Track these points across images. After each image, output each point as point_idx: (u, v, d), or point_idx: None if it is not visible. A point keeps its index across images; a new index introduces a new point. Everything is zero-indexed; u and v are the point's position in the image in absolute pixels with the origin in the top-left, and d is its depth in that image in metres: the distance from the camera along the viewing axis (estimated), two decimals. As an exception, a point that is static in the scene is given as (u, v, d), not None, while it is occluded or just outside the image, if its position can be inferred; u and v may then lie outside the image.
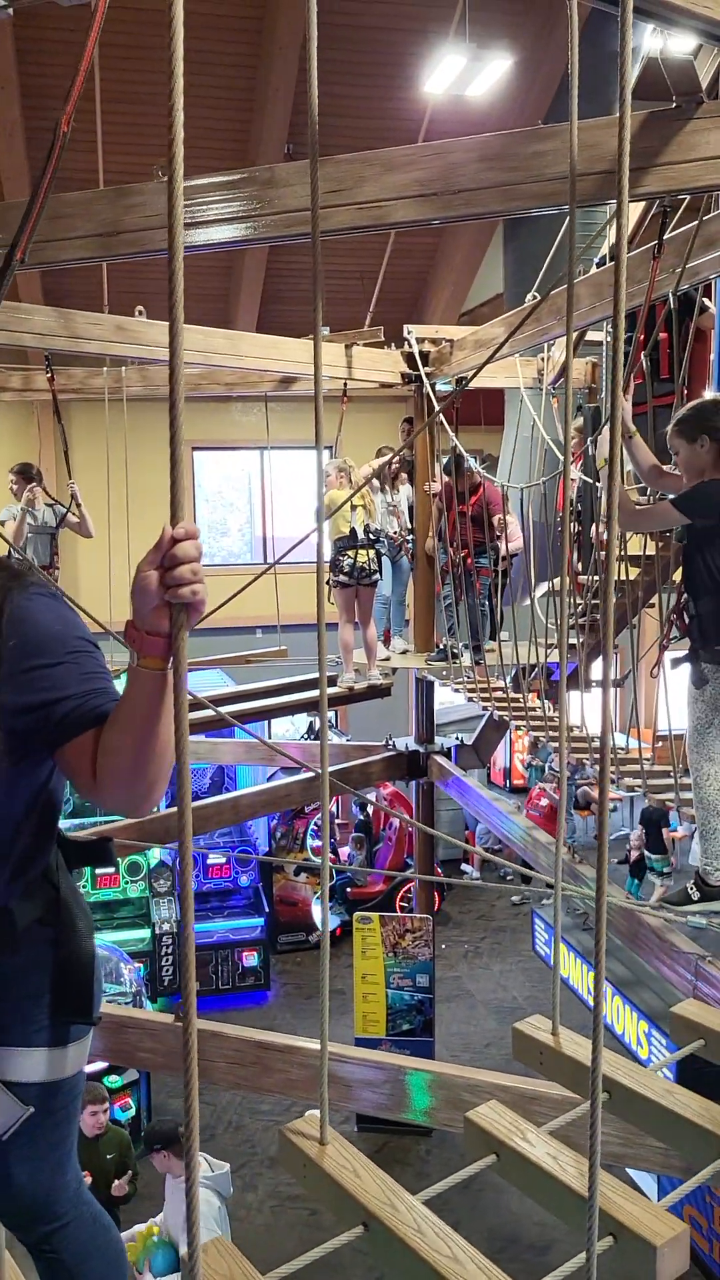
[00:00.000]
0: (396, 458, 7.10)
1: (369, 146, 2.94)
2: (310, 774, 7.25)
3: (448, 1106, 3.21)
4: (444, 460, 6.59)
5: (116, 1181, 5.44)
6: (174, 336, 0.98)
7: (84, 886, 8.40)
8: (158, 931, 8.89)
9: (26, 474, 6.46)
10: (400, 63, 8.08)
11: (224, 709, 5.49)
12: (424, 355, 6.39)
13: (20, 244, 1.92)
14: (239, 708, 7.01)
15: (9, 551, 5.94)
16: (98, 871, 8.93)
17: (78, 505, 6.47)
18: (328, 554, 7.23)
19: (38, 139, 8.51)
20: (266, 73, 8.04)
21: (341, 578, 6.84)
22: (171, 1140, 4.81)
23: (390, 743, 7.87)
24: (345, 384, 6.60)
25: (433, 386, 6.48)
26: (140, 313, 5.38)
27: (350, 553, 6.76)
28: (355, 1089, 3.40)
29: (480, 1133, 1.83)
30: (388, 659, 7.25)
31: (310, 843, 10.44)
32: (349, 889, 10.37)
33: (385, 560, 7.32)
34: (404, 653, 7.42)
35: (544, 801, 10.48)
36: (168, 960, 8.90)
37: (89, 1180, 5.21)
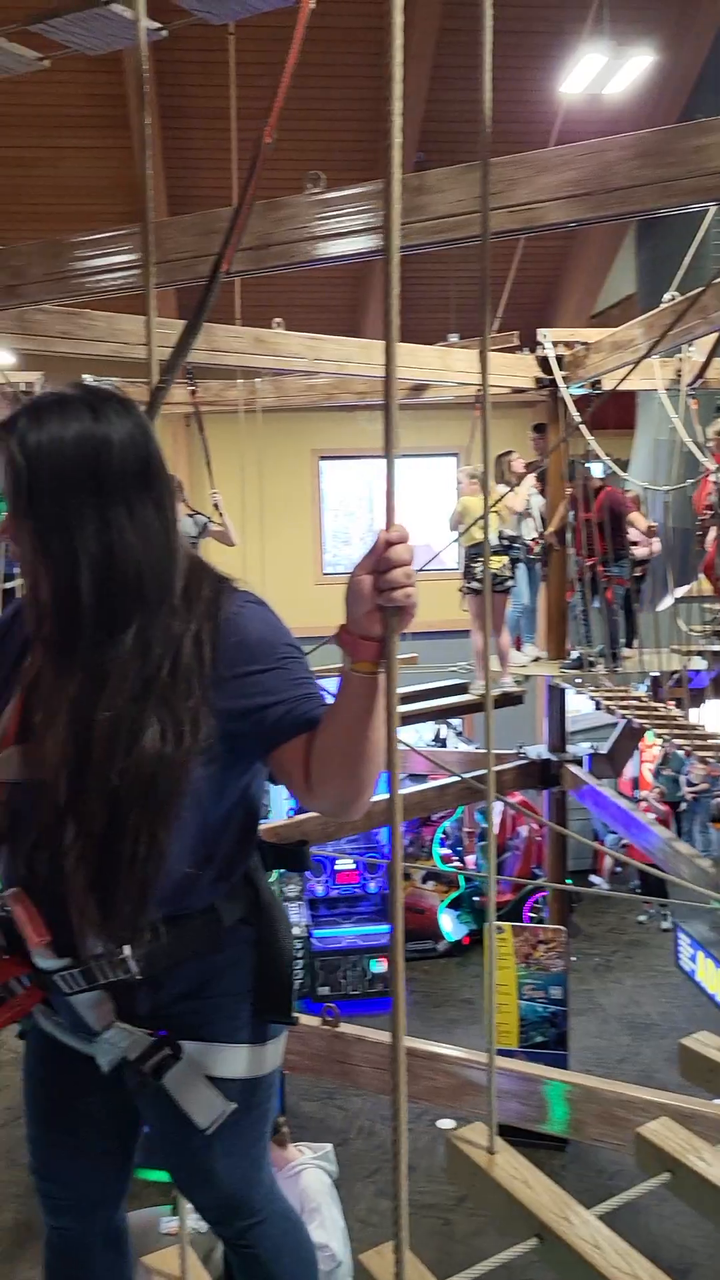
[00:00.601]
0: (524, 464, 7.05)
1: (503, 150, 2.92)
2: (440, 780, 7.23)
3: (598, 1121, 3.15)
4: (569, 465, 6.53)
5: None
6: (390, 348, 0.98)
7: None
8: (288, 935, 8.97)
9: None
10: (533, 65, 8.03)
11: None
12: (559, 359, 6.33)
13: (225, 256, 1.97)
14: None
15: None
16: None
17: (220, 514, 6.60)
18: (461, 561, 7.23)
19: (175, 159, 8.74)
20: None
21: (474, 584, 6.84)
22: (272, 1132, 4.86)
23: (521, 751, 7.79)
24: (478, 390, 6.58)
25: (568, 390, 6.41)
26: (278, 325, 5.46)
27: (482, 559, 6.74)
28: (500, 1099, 3.37)
29: (653, 1149, 1.79)
30: (523, 666, 7.19)
31: (438, 850, 10.41)
32: (476, 897, 10.29)
33: (521, 566, 7.27)
34: (536, 660, 7.34)
35: (651, 816, 10.24)
36: (298, 963, 8.99)
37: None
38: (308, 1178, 4.76)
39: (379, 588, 1.18)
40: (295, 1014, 1.62)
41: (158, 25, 3.41)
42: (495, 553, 6.72)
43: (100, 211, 8.94)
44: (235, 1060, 1.56)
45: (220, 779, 1.42)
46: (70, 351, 4.85)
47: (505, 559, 6.79)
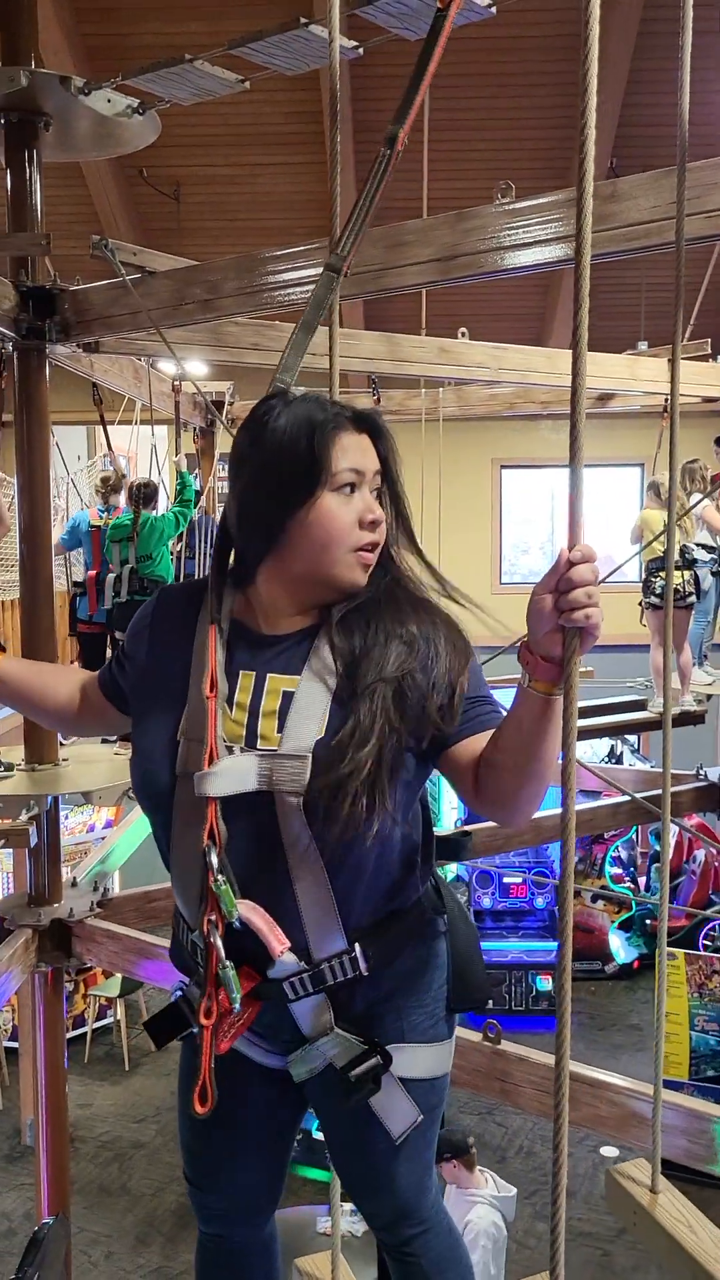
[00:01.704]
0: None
1: (699, 155, 2.82)
2: (613, 799, 7.05)
3: (773, 1166, 2.99)
4: None
5: None
6: (578, 358, 0.96)
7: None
8: (453, 946, 8.93)
9: None
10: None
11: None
12: (754, 368, 6.09)
13: (346, 258, 1.98)
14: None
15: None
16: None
17: None
18: (641, 574, 7.05)
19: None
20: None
21: (653, 599, 6.67)
22: (461, 1151, 4.83)
23: (701, 772, 7.51)
24: (666, 400, 6.40)
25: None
26: (463, 334, 5.45)
27: (662, 574, 6.57)
28: (665, 1134, 3.25)
29: None
30: (708, 684, 6.95)
31: (609, 870, 10.16)
32: (649, 920, 10.00)
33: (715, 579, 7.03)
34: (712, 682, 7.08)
35: None
36: (462, 975, 8.94)
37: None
38: (479, 1213, 4.72)
39: (560, 608, 1.17)
40: (487, 999, 1.63)
41: (354, 44, 3.49)
42: (677, 567, 6.52)
43: (293, 225, 9.16)
44: (428, 1059, 1.56)
45: (420, 774, 1.45)
46: (259, 362, 4.97)
47: (688, 573, 6.58)
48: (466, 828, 5.82)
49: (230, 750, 1.42)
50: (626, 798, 6.01)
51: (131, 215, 9.40)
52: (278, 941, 1.39)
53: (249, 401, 7.47)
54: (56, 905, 4.22)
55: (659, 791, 7.39)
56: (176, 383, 6.14)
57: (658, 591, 6.58)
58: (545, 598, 1.18)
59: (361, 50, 3.42)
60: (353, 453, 1.43)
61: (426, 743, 1.41)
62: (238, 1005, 1.40)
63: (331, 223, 1.99)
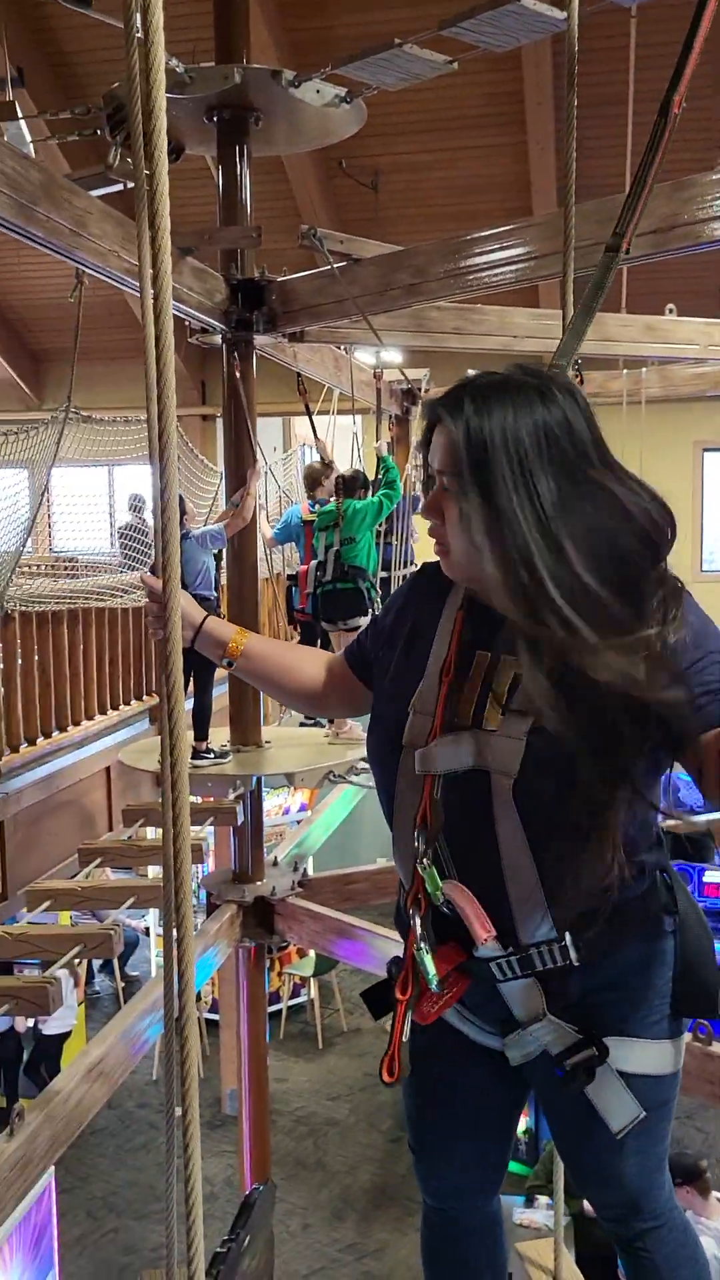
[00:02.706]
0: None
1: None
2: None
3: None
4: None
5: None
6: None
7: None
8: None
9: None
10: None
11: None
12: None
13: (627, 235, 1.92)
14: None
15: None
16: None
17: None
18: None
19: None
20: None
21: None
22: (693, 1175, 4.61)
23: None
24: None
25: None
26: (670, 311, 5.26)
27: None
28: None
29: None
30: None
31: None
32: None
33: None
34: None
35: None
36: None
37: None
38: (706, 1245, 4.51)
39: None
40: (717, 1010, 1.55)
41: (562, 15, 3.40)
42: None
43: (493, 209, 9.06)
44: (652, 1056, 1.52)
45: (648, 765, 1.39)
46: (459, 347, 4.94)
47: None
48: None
49: (455, 729, 1.41)
50: None
51: (331, 206, 9.53)
52: (482, 928, 1.39)
53: (445, 388, 7.45)
54: (260, 883, 4.34)
55: None
56: (379, 370, 6.17)
57: None
58: None
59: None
60: (431, 448, 1.41)
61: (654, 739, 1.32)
62: (435, 985, 1.42)
63: (564, 199, 1.93)
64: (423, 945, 1.43)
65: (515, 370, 1.39)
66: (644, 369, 6.76)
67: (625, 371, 6.82)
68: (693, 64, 1.83)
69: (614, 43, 7.12)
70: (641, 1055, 1.51)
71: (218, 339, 4.19)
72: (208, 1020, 8.40)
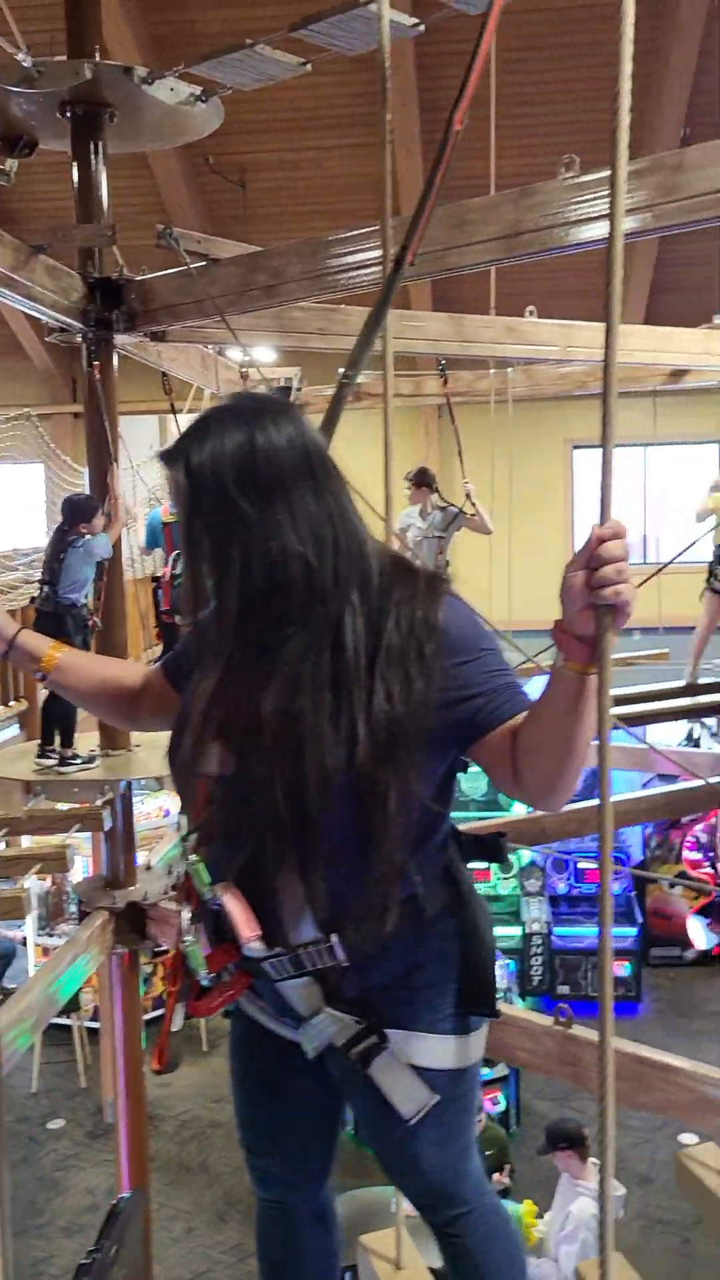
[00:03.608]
0: None
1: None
2: (690, 783, 6.94)
3: None
4: None
5: (496, 1175, 5.56)
6: (610, 332, 0.94)
7: (457, 879, 8.58)
8: (528, 930, 8.90)
9: (422, 480, 6.66)
10: None
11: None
12: None
13: (411, 247, 1.95)
14: (617, 711, 6.85)
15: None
16: (470, 866, 9.09)
17: (473, 504, 6.61)
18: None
19: (433, 150, 8.79)
20: (665, 57, 7.79)
21: (716, 584, 6.64)
22: (577, 1141, 4.83)
23: (779, 756, 7.36)
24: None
25: None
26: (530, 313, 5.38)
27: None
28: (743, 1121, 3.20)
29: None
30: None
31: (686, 855, 10.02)
32: (728, 907, 9.84)
33: None
34: None
35: None
36: (537, 960, 8.89)
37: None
38: (581, 1205, 4.71)
39: (591, 585, 1.16)
40: (498, 1007, 1.62)
41: (414, 21, 3.45)
42: None
43: (362, 208, 9.11)
44: (439, 1051, 1.57)
45: (424, 771, 1.42)
46: (324, 347, 4.96)
47: None
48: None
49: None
50: (702, 782, 5.92)
51: (199, 204, 9.46)
52: (246, 928, 1.43)
53: (317, 387, 7.47)
54: (132, 889, 4.29)
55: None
56: (244, 370, 6.16)
57: (719, 576, 6.58)
58: (577, 575, 1.17)
59: (423, 27, 3.39)
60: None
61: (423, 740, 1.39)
62: (204, 979, 1.49)
63: (382, 206, 1.96)
64: (188, 939, 1.48)
65: (234, 400, 1.45)
66: (510, 369, 6.88)
67: (493, 371, 6.94)
68: (473, 84, 1.88)
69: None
70: (431, 1050, 1.56)
71: (78, 338, 4.12)
72: (89, 1028, 8.27)
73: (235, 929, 1.43)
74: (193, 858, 1.46)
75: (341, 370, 1.93)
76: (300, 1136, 1.77)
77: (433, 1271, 2.06)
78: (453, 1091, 1.59)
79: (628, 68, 1.02)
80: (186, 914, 1.49)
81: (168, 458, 1.39)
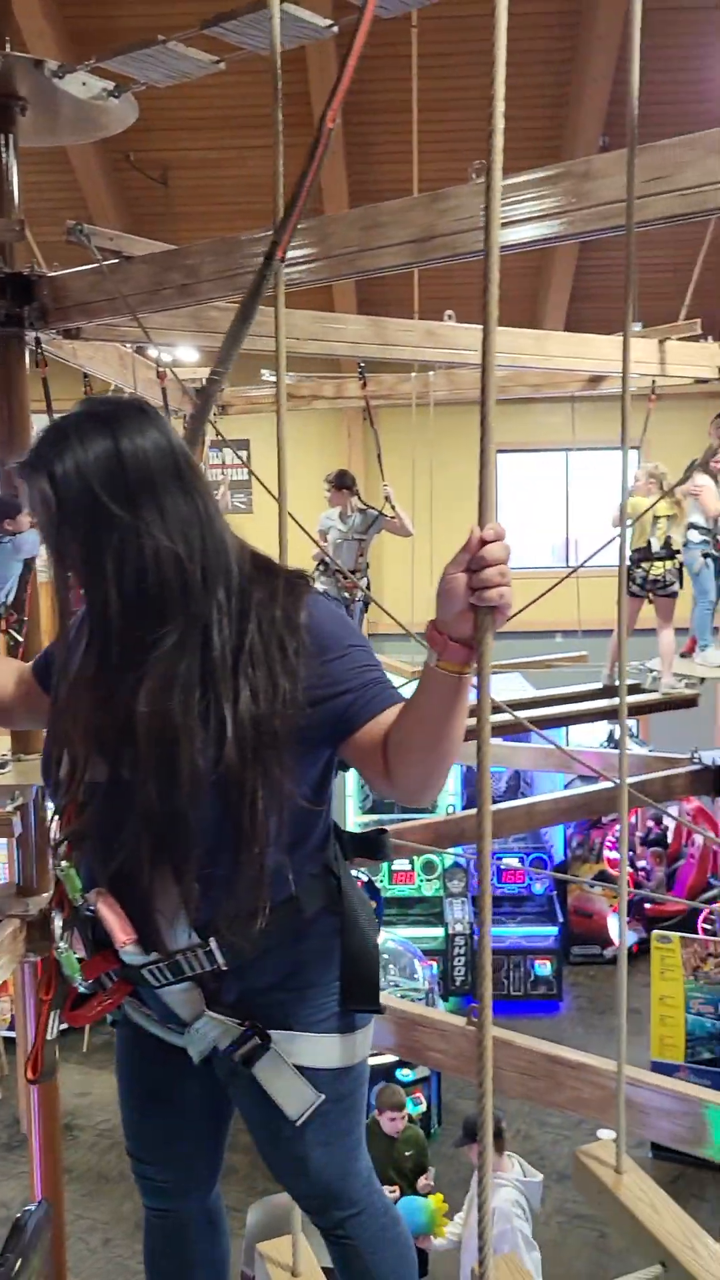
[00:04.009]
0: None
1: (682, 130, 2.79)
2: (609, 784, 7.04)
3: (755, 1150, 2.99)
4: None
5: (422, 1179, 5.57)
6: (488, 336, 0.95)
7: (381, 881, 8.60)
8: (451, 931, 8.95)
9: (341, 483, 6.66)
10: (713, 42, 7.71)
11: (522, 714, 5.44)
12: (744, 348, 6.04)
13: (282, 243, 1.96)
14: (537, 713, 6.93)
15: (320, 558, 6.18)
16: (393, 867, 9.12)
17: (393, 507, 6.63)
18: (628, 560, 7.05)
19: (357, 153, 8.82)
20: (584, 65, 7.90)
21: (633, 588, 6.78)
22: (495, 1135, 4.87)
23: (696, 756, 7.50)
24: (654, 381, 6.36)
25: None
26: (449, 317, 5.41)
27: (645, 565, 6.66)
28: (651, 1116, 3.25)
29: None
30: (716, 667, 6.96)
31: (606, 854, 10.17)
32: (647, 905, 10.00)
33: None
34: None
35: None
36: (460, 960, 8.95)
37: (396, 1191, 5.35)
38: (502, 1195, 4.74)
39: (472, 586, 1.16)
40: (381, 1004, 1.62)
41: (329, 22, 3.45)
42: (657, 559, 6.60)
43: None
44: (323, 1050, 1.57)
45: (297, 769, 1.42)
46: (245, 348, 4.93)
47: (669, 563, 6.65)
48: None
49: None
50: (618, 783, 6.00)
51: (119, 200, 9.35)
52: (121, 932, 1.43)
53: (238, 387, 7.44)
54: (44, 895, 4.22)
55: (654, 775, 7.40)
56: (162, 369, 6.10)
57: (638, 580, 6.70)
58: (457, 577, 1.17)
59: (336, 28, 3.38)
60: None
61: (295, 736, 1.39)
62: (81, 986, 1.49)
63: (275, 205, 1.96)
64: (61, 946, 1.47)
65: (89, 406, 1.43)
66: (431, 372, 6.92)
67: (414, 375, 6.97)
68: (344, 85, 1.88)
69: (397, 50, 7.31)
70: (315, 1049, 1.57)
71: (-11, 333, 4.04)
72: (5, 1038, 8.13)
73: (110, 933, 1.42)
74: (64, 864, 1.45)
75: (210, 370, 1.92)
76: (189, 1142, 1.76)
77: (325, 1271, 2.05)
78: (338, 1090, 1.59)
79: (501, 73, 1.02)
80: (59, 921, 1.47)
81: (28, 469, 1.37)
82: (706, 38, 7.75)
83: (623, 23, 7.84)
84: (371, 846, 1.67)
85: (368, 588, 6.39)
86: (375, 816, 9.71)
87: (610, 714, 8.25)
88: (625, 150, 2.78)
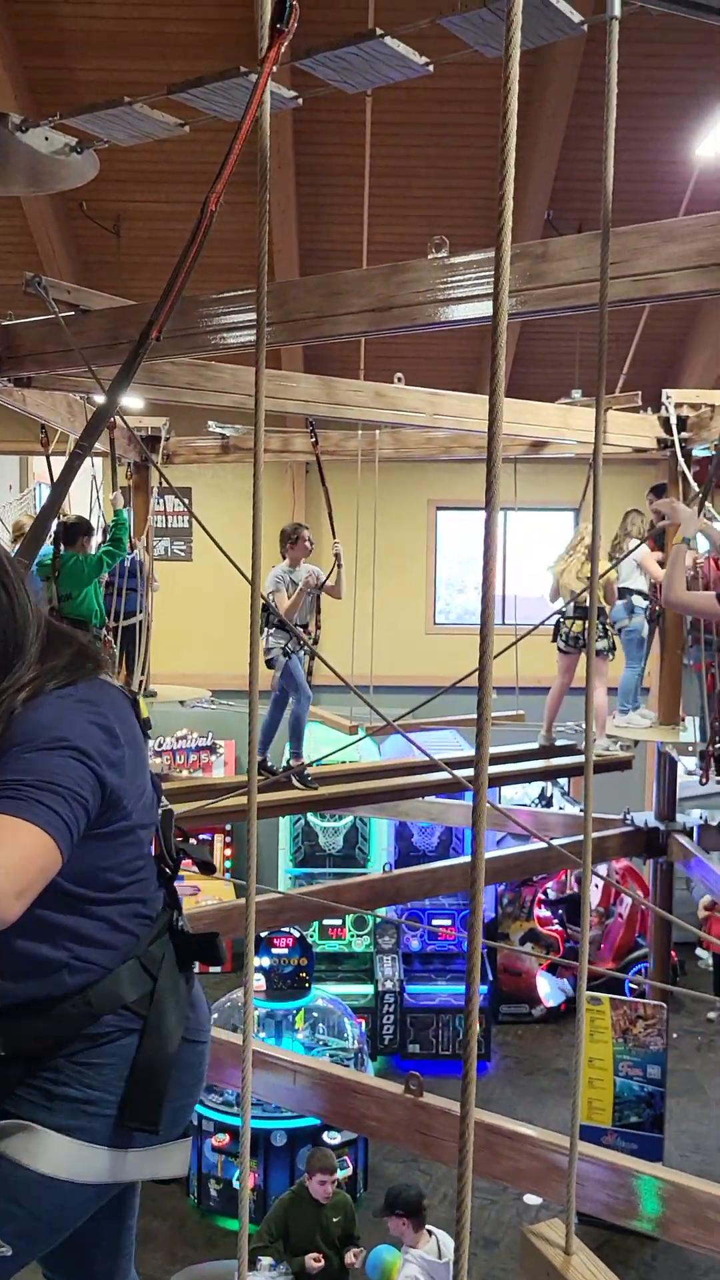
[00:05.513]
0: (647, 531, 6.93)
1: (633, 213, 2.89)
2: (541, 843, 7.08)
3: (690, 1222, 2.99)
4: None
5: (350, 1254, 5.46)
6: (494, 409, 0.97)
7: (311, 937, 8.48)
8: (380, 989, 8.87)
9: (296, 537, 6.55)
10: (666, 127, 8.00)
11: (460, 773, 5.45)
12: (681, 421, 6.22)
13: (158, 322, 1.98)
14: (469, 772, 6.95)
15: (266, 611, 6.11)
16: (325, 922, 9.02)
17: (339, 566, 6.54)
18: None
19: (309, 216, 8.95)
20: (532, 142, 8.13)
21: (560, 645, 6.97)
22: (414, 1210, 4.80)
23: (628, 817, 7.59)
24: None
25: (688, 454, 6.29)
26: (399, 379, 5.50)
27: (568, 623, 6.84)
28: (587, 1187, 3.24)
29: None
30: (648, 726, 7.06)
31: (537, 913, 10.18)
32: (576, 962, 10.02)
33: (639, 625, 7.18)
34: (649, 726, 7.18)
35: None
36: (389, 1018, 8.86)
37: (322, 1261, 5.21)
38: (406, 1273, 4.69)
39: None
40: (158, 1125, 1.53)
41: (293, 94, 3.52)
42: (577, 617, 6.79)
43: (236, 263, 9.18)
44: (48, 1150, 1.48)
45: None
46: (195, 402, 4.96)
47: (582, 624, 6.86)
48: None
49: None
50: (553, 842, 6.05)
51: (71, 249, 9.36)
52: None
53: (184, 437, 7.45)
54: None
55: (578, 838, 7.42)
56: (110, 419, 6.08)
57: (566, 638, 6.91)
58: None
59: (300, 100, 3.45)
60: None
61: None
62: None
63: (259, 272, 1.98)
64: None
65: None
66: (377, 431, 7.01)
67: (360, 433, 7.05)
68: (230, 167, 1.92)
69: (351, 118, 7.47)
70: (46, 1150, 1.48)
71: (-64, 379, 4.02)
72: None
73: None
74: None
75: (75, 440, 1.93)
76: (87, 1243, 1.72)
77: None
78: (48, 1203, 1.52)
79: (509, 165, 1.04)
80: None
81: None
82: (651, 120, 8.05)
83: (569, 100, 8.13)
84: (204, 949, 1.60)
85: (315, 642, 6.36)
86: (306, 871, 9.64)
87: (547, 774, 8.32)
88: (582, 235, 2.89)
